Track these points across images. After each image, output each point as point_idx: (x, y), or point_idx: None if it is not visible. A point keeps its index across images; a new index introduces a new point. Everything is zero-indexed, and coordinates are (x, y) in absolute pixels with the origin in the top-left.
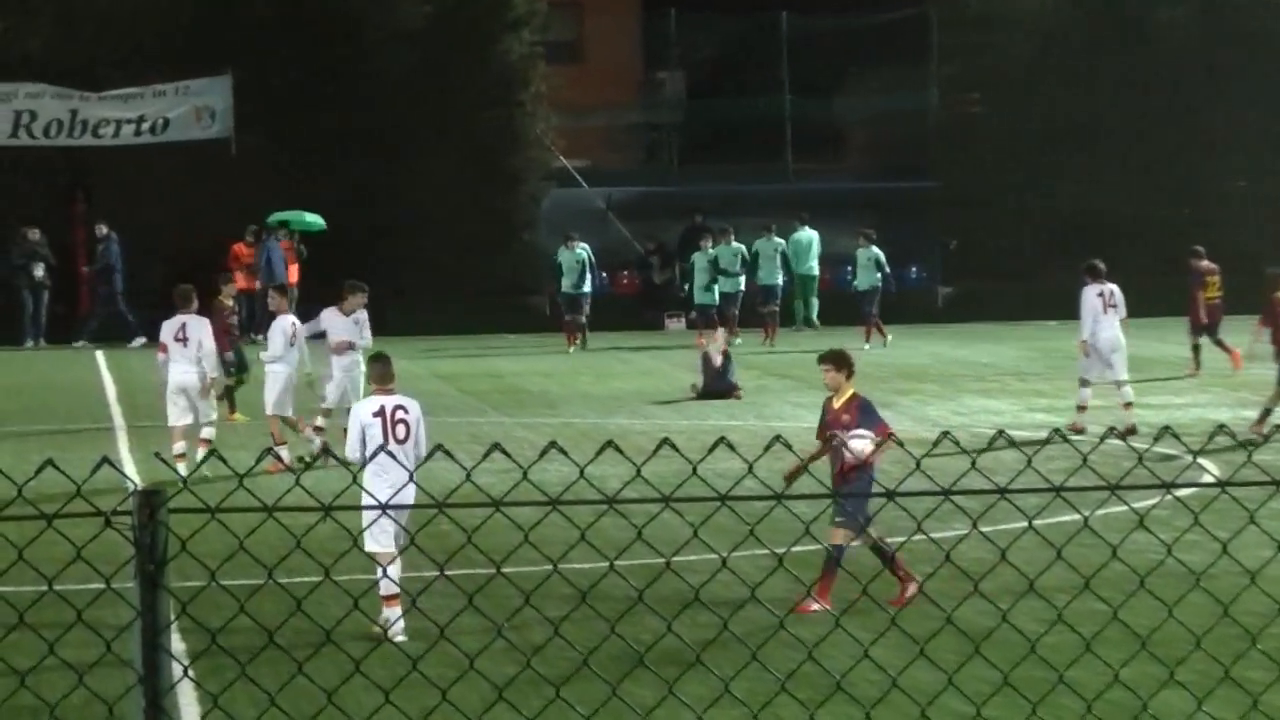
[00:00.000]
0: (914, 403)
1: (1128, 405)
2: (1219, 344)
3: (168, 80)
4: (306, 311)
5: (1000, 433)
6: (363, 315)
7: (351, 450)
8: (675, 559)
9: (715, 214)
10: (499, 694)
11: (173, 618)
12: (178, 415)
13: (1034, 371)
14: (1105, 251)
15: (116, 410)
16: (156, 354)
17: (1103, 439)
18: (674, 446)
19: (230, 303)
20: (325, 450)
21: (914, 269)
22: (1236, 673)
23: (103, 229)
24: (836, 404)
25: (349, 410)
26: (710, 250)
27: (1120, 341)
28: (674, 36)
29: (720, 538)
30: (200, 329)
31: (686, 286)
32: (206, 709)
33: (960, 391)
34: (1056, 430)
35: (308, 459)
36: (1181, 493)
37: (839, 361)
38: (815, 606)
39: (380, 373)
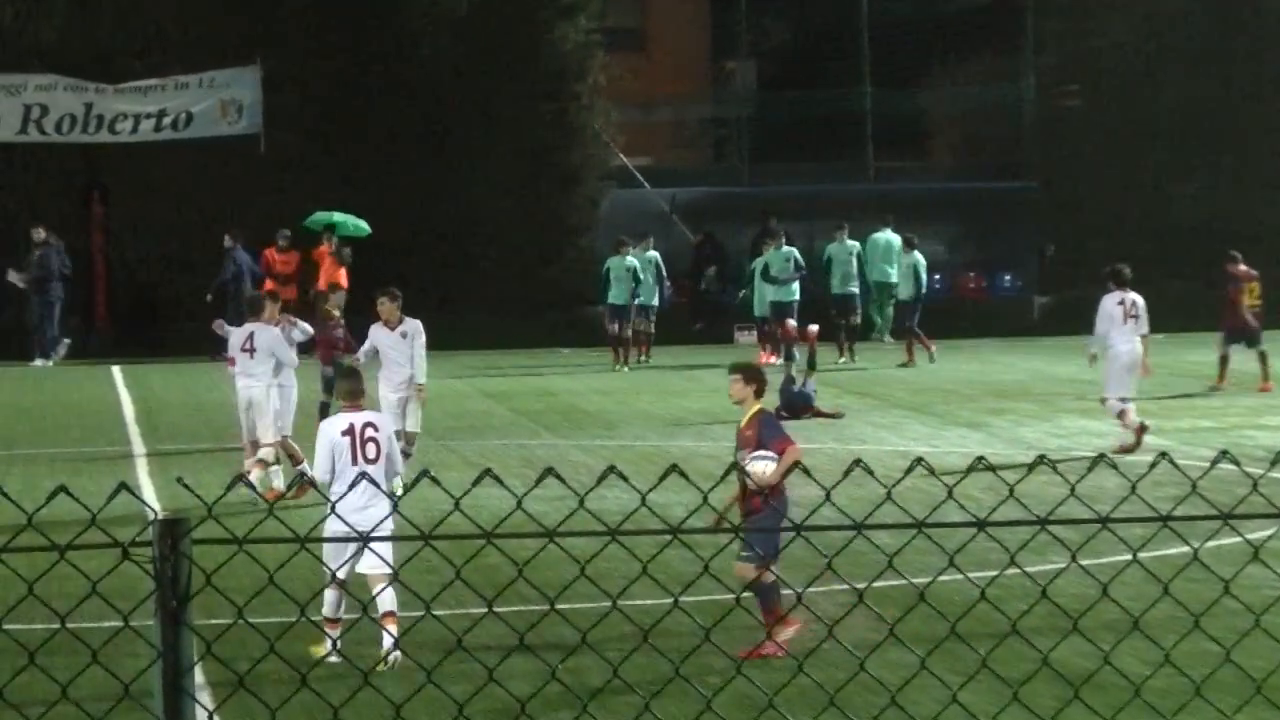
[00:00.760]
0: (1007, 423)
1: (1122, 416)
2: (1261, 356)
3: (191, 71)
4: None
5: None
6: (413, 326)
7: (321, 471)
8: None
9: (790, 217)
10: None
11: (196, 658)
12: (249, 431)
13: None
14: (1221, 261)
15: (135, 432)
16: (227, 368)
17: (1214, 464)
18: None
19: (337, 314)
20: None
21: (1007, 277)
22: None
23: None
24: (743, 421)
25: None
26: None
27: (1138, 358)
28: (745, 23)
29: (795, 571)
30: (268, 338)
31: (741, 294)
32: None
33: (1058, 411)
34: (1164, 454)
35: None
36: None
37: (749, 374)
38: (773, 647)
39: (350, 388)
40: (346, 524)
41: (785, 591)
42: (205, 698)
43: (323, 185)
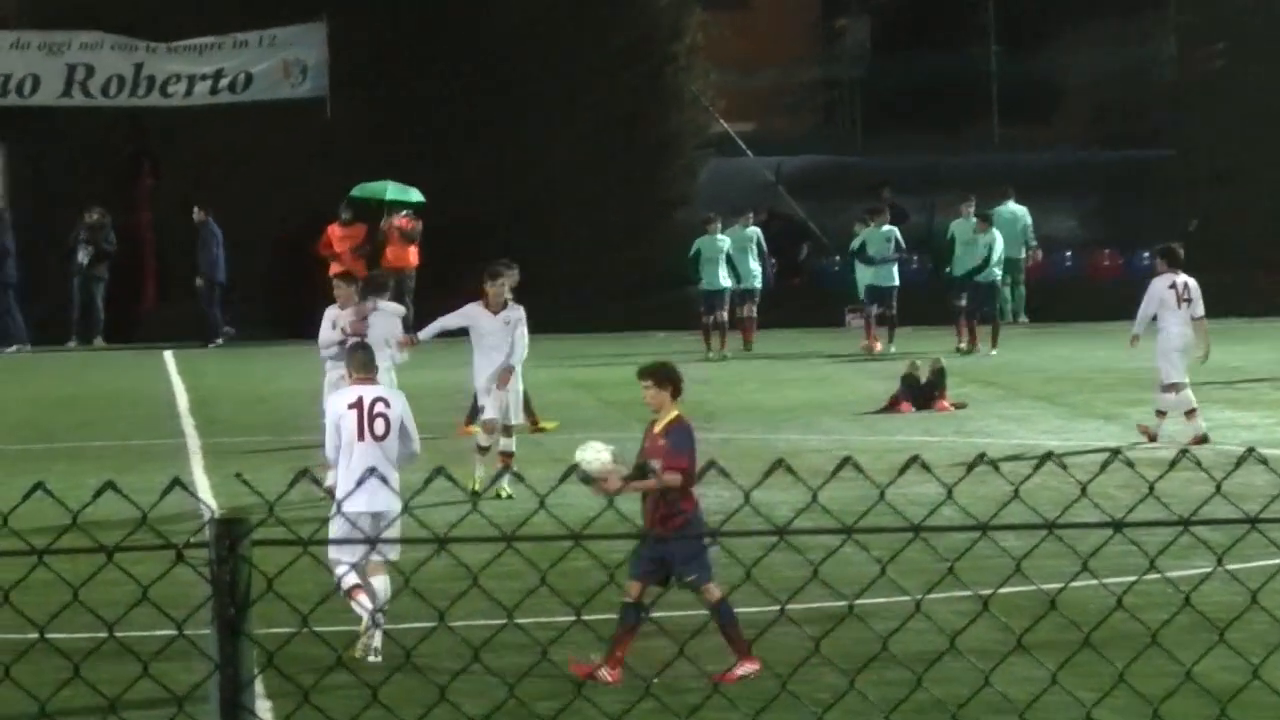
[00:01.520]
0: (1147, 415)
1: (1162, 414)
2: None
3: (251, 28)
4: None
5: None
6: (516, 313)
7: (329, 447)
8: (859, 602)
9: (905, 190)
10: None
11: (256, 671)
12: None
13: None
14: None
15: (189, 423)
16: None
17: None
18: (857, 467)
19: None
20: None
21: (1145, 255)
22: None
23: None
24: (656, 427)
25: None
26: (858, 234)
27: (1190, 343)
28: None
29: (913, 577)
30: (386, 320)
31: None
32: None
33: (1202, 402)
34: None
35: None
36: None
37: (661, 377)
38: (742, 671)
39: (361, 361)
40: (353, 504)
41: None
42: (266, 714)
43: (393, 155)
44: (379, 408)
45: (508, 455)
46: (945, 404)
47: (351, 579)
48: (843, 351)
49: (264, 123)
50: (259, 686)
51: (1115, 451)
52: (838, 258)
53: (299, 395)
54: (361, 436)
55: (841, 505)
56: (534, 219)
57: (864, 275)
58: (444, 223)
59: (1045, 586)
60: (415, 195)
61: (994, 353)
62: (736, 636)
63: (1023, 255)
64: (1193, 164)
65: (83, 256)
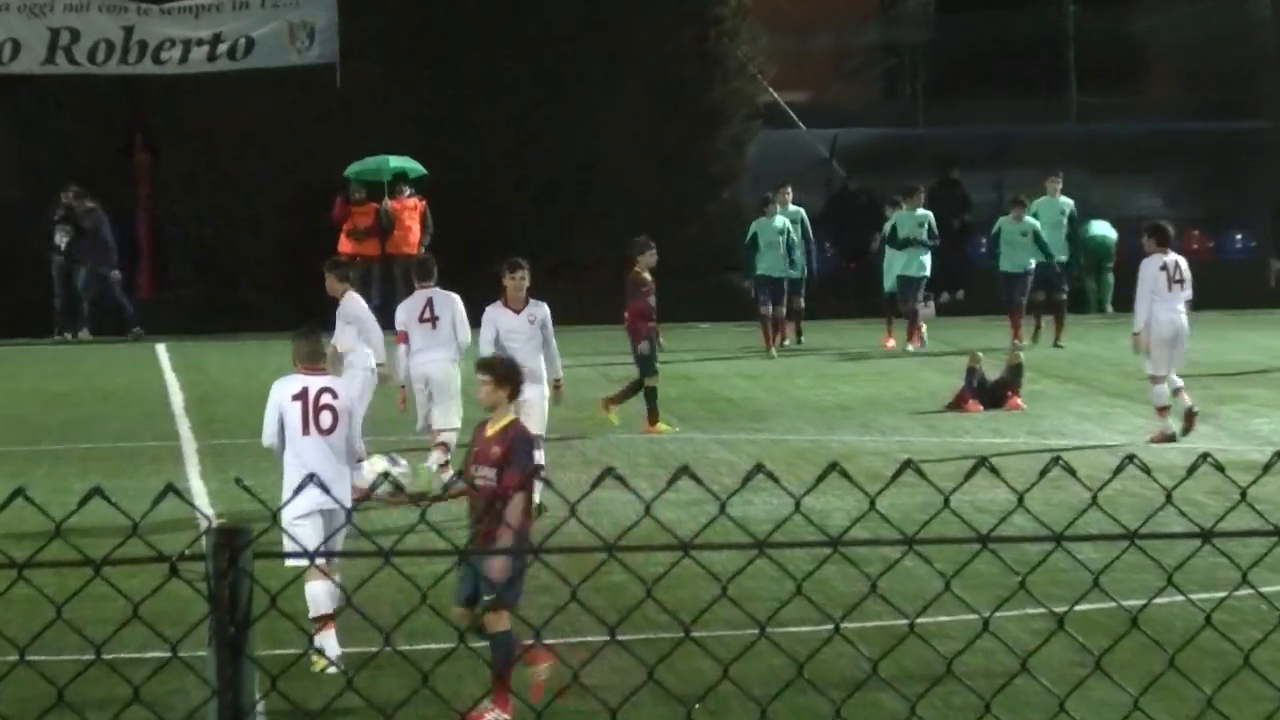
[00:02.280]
0: (1239, 413)
1: (1164, 410)
2: None
3: None
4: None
5: None
6: (541, 310)
7: (268, 436)
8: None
9: (974, 165)
10: None
11: (259, 696)
12: (425, 416)
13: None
14: None
15: (184, 424)
16: (395, 344)
17: None
18: (919, 471)
19: (649, 276)
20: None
21: (1239, 236)
22: None
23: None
24: (490, 430)
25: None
26: (889, 218)
27: (1184, 327)
28: None
29: (981, 592)
30: (451, 306)
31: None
32: None
33: None
34: None
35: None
36: None
37: (501, 374)
38: (490, 717)
39: (308, 350)
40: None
41: (793, 630)
42: None
43: (411, 128)
44: (325, 399)
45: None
46: (1019, 401)
47: (323, 605)
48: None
49: (267, 92)
50: (261, 712)
51: (1204, 455)
52: (874, 244)
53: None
54: (306, 430)
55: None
56: (566, 199)
57: (894, 264)
58: (465, 203)
59: (1126, 603)
60: (416, 166)
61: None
62: (503, 677)
63: (1113, 239)
64: None
65: (60, 239)
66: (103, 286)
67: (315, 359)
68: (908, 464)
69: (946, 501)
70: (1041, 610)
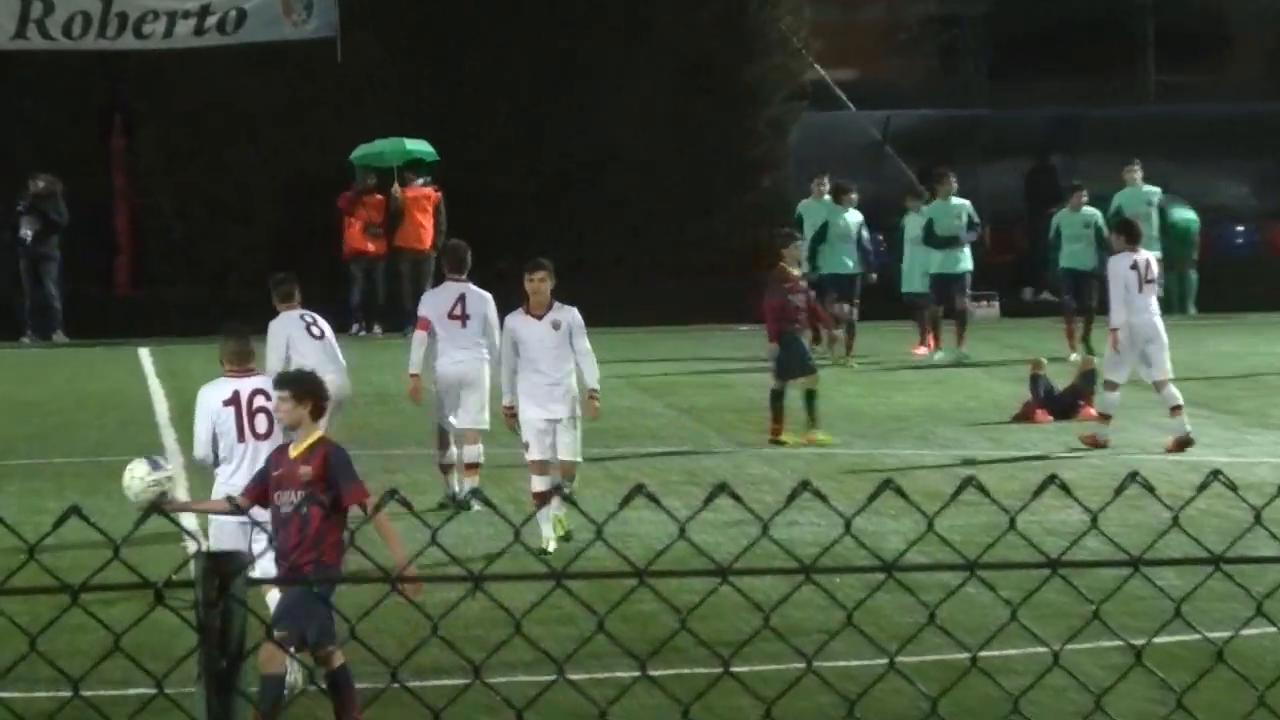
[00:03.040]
0: None
1: (1176, 409)
2: None
3: None
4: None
5: None
6: (567, 314)
7: (199, 447)
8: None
9: (1040, 150)
10: None
11: None
12: (440, 414)
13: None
14: None
15: (170, 435)
16: (414, 333)
17: None
18: (982, 489)
19: (797, 272)
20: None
21: None
22: None
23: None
24: (294, 451)
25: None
26: (921, 210)
27: (1159, 329)
28: None
29: (1051, 622)
30: (484, 307)
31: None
32: None
33: None
34: None
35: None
36: None
37: (301, 390)
38: None
39: (236, 350)
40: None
41: (843, 665)
42: None
43: (416, 107)
44: (259, 401)
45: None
46: (1092, 411)
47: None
48: (967, 348)
49: (260, 69)
50: None
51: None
52: (881, 239)
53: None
54: (242, 437)
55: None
56: (587, 187)
57: (927, 261)
58: (470, 193)
59: (1212, 634)
60: (430, 150)
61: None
62: (353, 701)
63: (1193, 228)
64: None
65: (25, 231)
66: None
67: (245, 359)
68: (969, 481)
69: (1012, 522)
70: (1117, 642)
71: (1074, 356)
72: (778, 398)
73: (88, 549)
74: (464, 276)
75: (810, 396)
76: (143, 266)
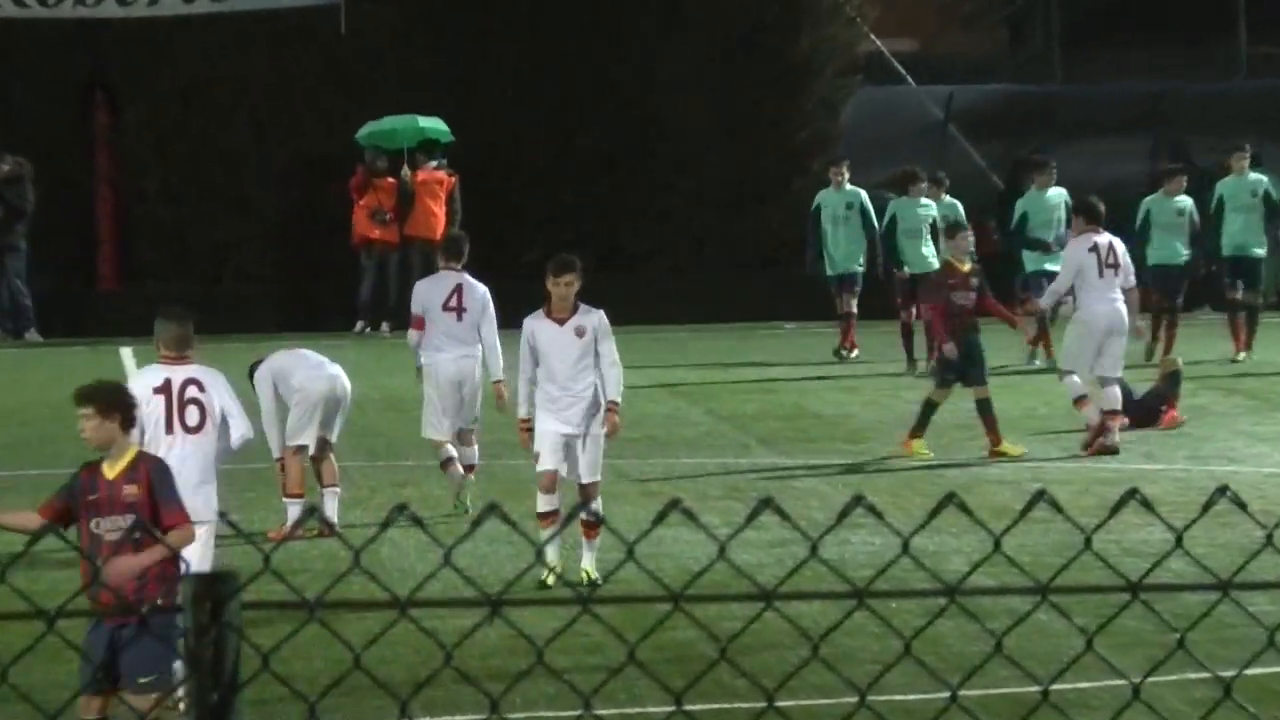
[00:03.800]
0: None
1: (1112, 414)
2: None
3: None
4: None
5: None
6: (593, 318)
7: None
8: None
9: (1119, 130)
10: None
11: None
12: (439, 423)
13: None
14: None
15: None
16: (409, 332)
17: None
18: (1054, 504)
19: (966, 266)
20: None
21: None
22: None
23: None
24: (111, 471)
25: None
26: (922, 202)
27: (1123, 320)
28: None
29: (1129, 651)
30: (481, 299)
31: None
32: None
33: None
34: None
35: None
36: None
37: (106, 403)
38: None
39: (174, 335)
40: None
41: (899, 699)
42: None
43: (431, 82)
44: (191, 392)
45: (590, 527)
46: (1176, 413)
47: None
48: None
49: (257, 39)
50: None
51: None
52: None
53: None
54: (170, 429)
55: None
56: (620, 172)
57: (1025, 258)
58: (494, 178)
59: None
60: (444, 130)
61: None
62: None
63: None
64: None
65: None
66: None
67: (183, 345)
68: (1040, 495)
69: (1088, 541)
70: (1205, 674)
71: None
72: (930, 409)
73: (65, 571)
74: (460, 266)
75: (985, 407)
76: (128, 258)
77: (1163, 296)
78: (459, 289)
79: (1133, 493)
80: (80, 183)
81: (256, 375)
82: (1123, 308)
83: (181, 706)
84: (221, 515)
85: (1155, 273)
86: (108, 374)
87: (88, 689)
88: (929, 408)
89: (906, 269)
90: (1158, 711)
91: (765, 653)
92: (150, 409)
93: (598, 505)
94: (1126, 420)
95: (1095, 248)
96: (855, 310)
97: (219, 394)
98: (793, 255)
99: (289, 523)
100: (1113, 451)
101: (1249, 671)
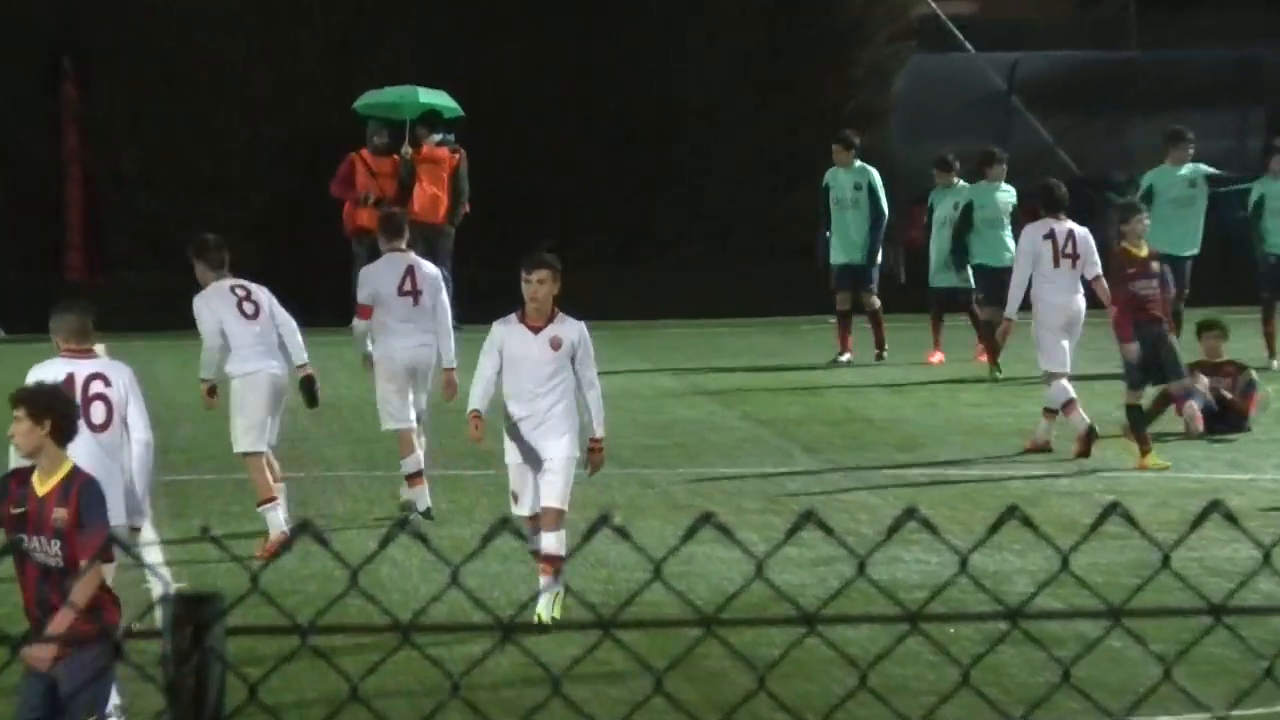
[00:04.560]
0: None
1: (1049, 413)
2: None
3: None
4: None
5: None
6: (573, 330)
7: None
8: None
9: (1205, 102)
10: None
11: None
12: (401, 411)
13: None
14: None
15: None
16: (354, 321)
17: None
18: (1128, 518)
19: (1144, 252)
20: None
21: None
22: None
23: None
24: (41, 486)
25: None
26: (1002, 187)
27: (1081, 313)
28: None
29: (1212, 681)
30: (435, 281)
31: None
32: None
33: None
34: None
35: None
36: None
37: (38, 406)
38: None
39: (74, 325)
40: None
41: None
42: None
43: (433, 54)
44: (96, 387)
45: (551, 560)
46: (1254, 407)
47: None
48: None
49: (242, 6)
50: None
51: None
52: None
53: (299, 409)
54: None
55: (1105, 574)
56: (644, 152)
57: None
58: (507, 155)
59: None
60: (451, 103)
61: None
62: None
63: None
64: None
65: None
66: None
67: (84, 337)
68: (1113, 508)
69: (1166, 559)
70: None
71: (1276, 363)
72: (1135, 414)
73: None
74: (403, 245)
75: (1135, 416)
76: (100, 247)
77: (1273, 289)
78: (411, 271)
79: (1215, 505)
80: (45, 162)
81: (198, 304)
82: (1080, 301)
83: None
84: (204, 530)
85: (1271, 262)
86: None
87: None
88: (1135, 415)
89: (975, 262)
90: None
91: (807, 682)
92: None
93: (559, 535)
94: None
95: (1052, 234)
96: (879, 306)
97: (125, 390)
98: None
99: (271, 531)
100: (1045, 450)
101: None
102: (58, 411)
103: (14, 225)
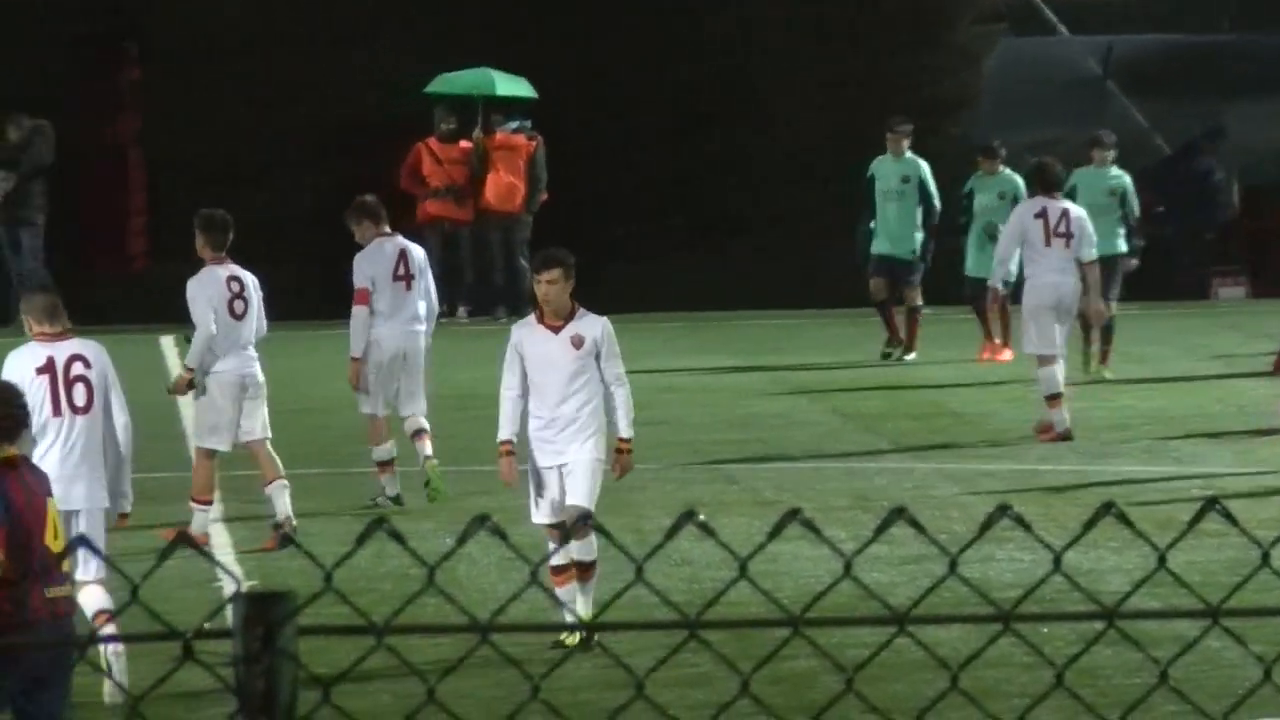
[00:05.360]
0: None
1: (1054, 399)
2: None
3: None
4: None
5: None
6: (595, 328)
7: None
8: None
9: None
10: None
11: None
12: (376, 397)
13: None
14: None
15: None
16: (355, 309)
17: None
18: (1227, 515)
19: None
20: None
21: None
22: None
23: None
24: None
25: None
26: (1113, 172)
27: (1073, 294)
28: None
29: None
30: (424, 263)
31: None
32: None
33: None
34: None
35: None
36: None
37: None
38: None
39: (44, 305)
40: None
41: None
42: None
43: (501, 38)
44: (77, 368)
45: (584, 568)
46: None
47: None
48: (1207, 337)
49: None
50: None
51: None
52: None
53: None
54: (58, 410)
55: (1203, 574)
56: (708, 134)
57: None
58: (570, 140)
59: None
60: (526, 89)
61: None
62: None
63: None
64: None
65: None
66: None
67: (57, 317)
68: (1211, 505)
69: (1265, 557)
70: None
71: None
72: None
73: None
74: (380, 227)
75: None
76: (164, 235)
77: None
78: (404, 255)
79: None
80: (105, 149)
81: (193, 287)
82: (1075, 281)
83: None
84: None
85: None
86: (143, 366)
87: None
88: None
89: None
90: None
91: (897, 684)
92: (34, 391)
93: (589, 543)
94: None
95: (1044, 213)
96: (920, 303)
97: (104, 371)
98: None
99: (195, 530)
100: (1066, 438)
101: None
102: (2, 407)
103: (71, 210)
